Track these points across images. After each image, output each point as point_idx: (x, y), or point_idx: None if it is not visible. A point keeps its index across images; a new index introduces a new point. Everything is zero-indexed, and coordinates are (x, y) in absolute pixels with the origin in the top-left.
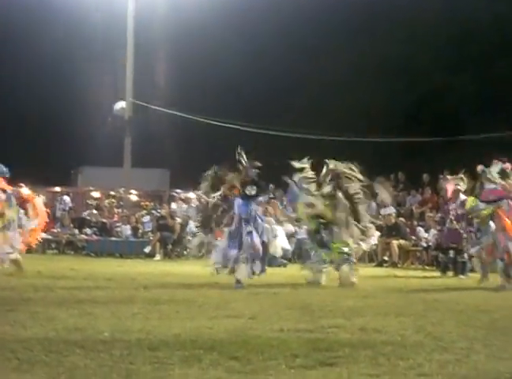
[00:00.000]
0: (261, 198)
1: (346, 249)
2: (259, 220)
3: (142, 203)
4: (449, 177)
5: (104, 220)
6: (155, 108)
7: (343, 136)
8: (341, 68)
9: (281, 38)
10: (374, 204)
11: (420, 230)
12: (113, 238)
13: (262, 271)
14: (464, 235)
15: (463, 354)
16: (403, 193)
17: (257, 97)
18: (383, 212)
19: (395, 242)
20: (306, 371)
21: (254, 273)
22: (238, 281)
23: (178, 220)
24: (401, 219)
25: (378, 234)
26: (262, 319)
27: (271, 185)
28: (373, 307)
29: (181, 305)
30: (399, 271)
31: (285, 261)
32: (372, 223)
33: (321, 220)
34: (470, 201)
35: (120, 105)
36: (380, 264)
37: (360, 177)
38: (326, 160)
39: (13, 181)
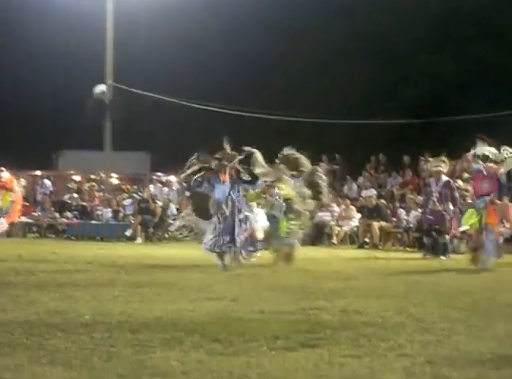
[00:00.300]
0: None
1: (292, 228)
2: (244, 206)
3: (123, 186)
4: (430, 159)
5: (85, 204)
6: (135, 91)
7: (323, 118)
8: (320, 49)
9: (259, 19)
10: (355, 186)
11: (401, 211)
12: (94, 222)
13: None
14: (447, 217)
15: (444, 335)
16: (384, 174)
17: (237, 79)
18: (364, 193)
19: (376, 224)
20: (287, 352)
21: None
22: (224, 265)
23: (160, 203)
24: (382, 200)
25: (358, 215)
26: (243, 301)
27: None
28: (354, 289)
29: (162, 287)
30: (380, 252)
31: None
32: (352, 205)
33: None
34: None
35: (100, 88)
36: (361, 246)
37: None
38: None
39: None
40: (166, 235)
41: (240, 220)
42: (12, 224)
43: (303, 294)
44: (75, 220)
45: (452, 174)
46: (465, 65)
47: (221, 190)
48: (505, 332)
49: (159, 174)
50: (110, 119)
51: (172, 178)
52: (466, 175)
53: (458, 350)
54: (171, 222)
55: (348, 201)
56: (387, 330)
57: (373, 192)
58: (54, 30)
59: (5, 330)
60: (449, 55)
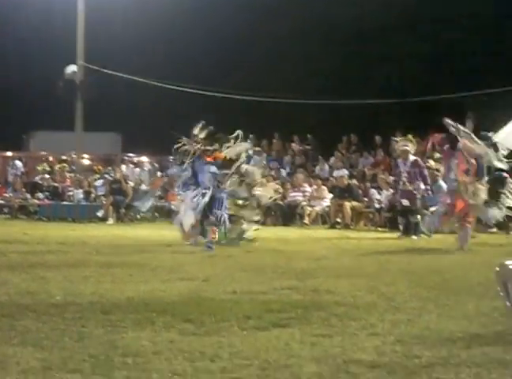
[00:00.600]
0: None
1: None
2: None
3: (94, 167)
4: (398, 138)
5: (56, 185)
6: (106, 71)
7: (295, 99)
8: (293, 30)
9: None
10: (326, 167)
11: (373, 192)
12: (65, 203)
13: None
14: (418, 195)
15: (415, 314)
16: (355, 154)
17: (209, 58)
18: (336, 174)
19: (348, 204)
20: (258, 332)
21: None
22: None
23: (131, 184)
24: (354, 181)
25: (330, 196)
26: (215, 281)
27: None
28: (326, 269)
29: (134, 268)
30: (351, 232)
31: None
32: (324, 185)
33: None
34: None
35: (71, 69)
36: (333, 226)
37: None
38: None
39: None
40: (138, 216)
41: (220, 199)
42: None
43: (275, 275)
44: (46, 201)
45: (423, 154)
46: (438, 45)
47: (205, 172)
48: (475, 310)
49: (130, 154)
50: (81, 100)
51: (144, 159)
52: (438, 155)
53: (429, 329)
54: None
55: (320, 181)
56: (358, 309)
57: (344, 172)
58: (25, 11)
59: None
60: (421, 35)
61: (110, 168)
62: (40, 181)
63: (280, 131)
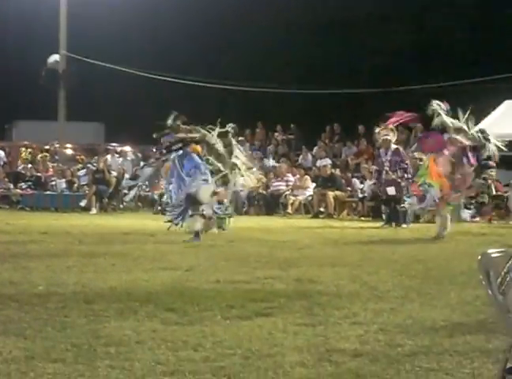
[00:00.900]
0: None
1: None
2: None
3: (77, 157)
4: (378, 128)
5: (39, 174)
6: (88, 61)
7: (278, 88)
8: (278, 19)
9: None
10: (310, 156)
11: (356, 181)
12: (48, 192)
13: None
14: (402, 184)
15: (398, 303)
16: (338, 144)
17: (191, 47)
18: (319, 163)
19: (331, 194)
20: (241, 321)
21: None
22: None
23: (114, 174)
24: (337, 170)
25: (313, 185)
26: (199, 271)
27: None
28: (309, 258)
29: (117, 258)
30: (335, 222)
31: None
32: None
33: None
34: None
35: (54, 58)
36: (316, 216)
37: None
38: None
39: None
40: (121, 205)
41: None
42: None
43: (258, 264)
44: (29, 191)
45: (406, 143)
46: (422, 34)
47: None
48: (458, 299)
49: (113, 144)
50: (63, 89)
51: (127, 148)
52: None
53: (412, 318)
54: (126, 192)
55: (303, 171)
56: (341, 298)
57: (328, 161)
58: (6, 0)
59: None
60: (405, 24)
61: (96, 157)
62: (23, 171)
63: (263, 121)
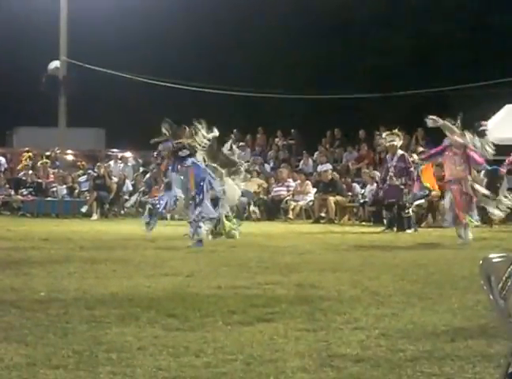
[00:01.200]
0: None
1: None
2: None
3: (78, 163)
4: (385, 133)
5: (40, 180)
6: (89, 67)
7: (279, 94)
8: (277, 24)
9: None
10: (311, 161)
11: (356, 186)
12: (49, 199)
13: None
14: (405, 190)
15: (399, 308)
16: (339, 149)
17: (192, 53)
18: (320, 168)
19: (332, 199)
20: (243, 327)
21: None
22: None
23: (115, 179)
24: (337, 175)
25: (314, 190)
26: (200, 277)
27: None
28: (310, 263)
29: (118, 264)
30: (336, 227)
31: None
32: (308, 180)
33: None
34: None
35: (54, 64)
36: (317, 221)
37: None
38: None
39: None
40: (122, 211)
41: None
42: None
43: (259, 269)
44: (30, 197)
45: (407, 148)
46: (421, 39)
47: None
48: (459, 304)
49: (114, 150)
50: (64, 95)
51: (127, 154)
52: (420, 149)
53: (413, 323)
54: (127, 198)
55: (304, 176)
56: (343, 304)
57: (328, 167)
58: (7, 6)
59: None
60: (405, 29)
61: (99, 164)
62: (24, 178)
63: (264, 126)
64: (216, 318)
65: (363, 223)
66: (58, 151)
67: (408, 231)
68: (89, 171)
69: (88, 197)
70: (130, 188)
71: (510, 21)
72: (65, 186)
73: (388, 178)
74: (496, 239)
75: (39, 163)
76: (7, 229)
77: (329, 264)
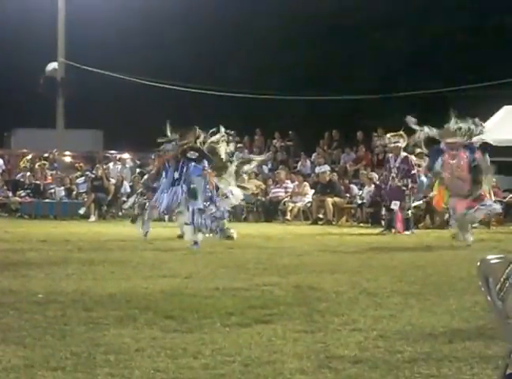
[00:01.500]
0: None
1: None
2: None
3: (76, 164)
4: (388, 134)
5: (38, 182)
6: (87, 68)
7: (276, 95)
8: (274, 26)
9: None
10: (308, 163)
11: (354, 187)
12: (47, 200)
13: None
14: (407, 192)
15: (397, 310)
16: (337, 150)
17: (190, 55)
18: (318, 170)
19: (330, 200)
20: (241, 329)
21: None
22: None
23: (113, 181)
24: (335, 176)
25: (312, 192)
26: (198, 278)
27: None
28: (308, 265)
29: (116, 265)
30: (334, 228)
31: None
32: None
33: None
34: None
35: (52, 66)
36: (315, 222)
37: None
38: None
39: None
40: (119, 213)
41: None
42: None
43: (257, 271)
44: (28, 199)
45: (405, 149)
46: (420, 40)
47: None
48: (457, 305)
49: (112, 151)
50: (62, 97)
51: (125, 156)
52: (418, 150)
53: (411, 324)
54: (125, 199)
55: (302, 178)
56: (341, 305)
57: (326, 168)
58: (5, 7)
59: None
60: (403, 30)
61: (97, 166)
62: (22, 179)
63: (262, 127)
64: (214, 320)
65: (361, 225)
66: (56, 153)
67: (406, 233)
68: (87, 173)
69: (86, 199)
70: (128, 189)
71: (509, 22)
72: (63, 188)
73: (390, 178)
74: (494, 241)
75: (36, 165)
76: (5, 231)
77: (327, 265)
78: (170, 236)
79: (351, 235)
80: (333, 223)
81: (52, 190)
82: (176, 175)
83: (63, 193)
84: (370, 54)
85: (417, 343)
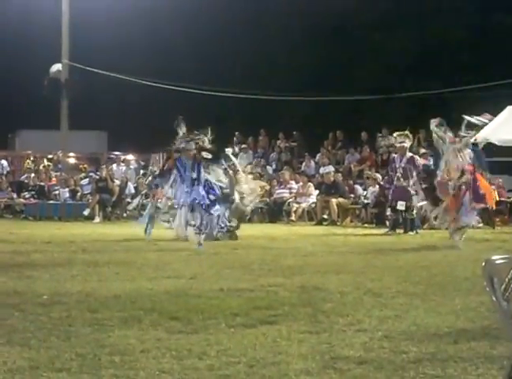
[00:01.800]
0: None
1: None
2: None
3: (81, 165)
4: (395, 134)
5: (42, 183)
6: (91, 70)
7: (281, 96)
8: (278, 26)
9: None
10: (313, 163)
11: (358, 188)
12: (51, 202)
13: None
14: (412, 192)
15: (402, 310)
16: (341, 151)
17: (194, 56)
18: (322, 170)
19: (334, 201)
20: (246, 329)
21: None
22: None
23: (117, 182)
24: (340, 177)
25: (316, 192)
26: (202, 279)
27: None
28: (312, 265)
29: (120, 266)
30: (338, 229)
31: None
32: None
33: None
34: None
35: (56, 67)
36: (319, 223)
37: None
38: None
39: None
40: (124, 214)
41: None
42: None
43: (262, 272)
44: (32, 200)
45: (409, 150)
46: (422, 40)
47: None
48: (462, 306)
49: (116, 152)
50: (66, 98)
51: (130, 157)
52: (423, 150)
53: (416, 324)
54: (129, 201)
55: (306, 178)
56: (345, 306)
57: (331, 169)
58: (9, 9)
59: None
60: (406, 31)
61: (101, 167)
62: (26, 181)
63: (266, 128)
64: (219, 321)
65: (366, 225)
66: (60, 154)
67: (411, 233)
68: (91, 174)
69: (90, 200)
70: (133, 190)
71: (511, 23)
72: (67, 189)
73: (395, 178)
74: (499, 241)
75: (41, 166)
76: (10, 232)
77: (331, 266)
78: (174, 237)
79: (355, 236)
80: (338, 223)
81: (56, 192)
82: (194, 175)
83: (67, 195)
84: (374, 55)
85: (422, 343)
